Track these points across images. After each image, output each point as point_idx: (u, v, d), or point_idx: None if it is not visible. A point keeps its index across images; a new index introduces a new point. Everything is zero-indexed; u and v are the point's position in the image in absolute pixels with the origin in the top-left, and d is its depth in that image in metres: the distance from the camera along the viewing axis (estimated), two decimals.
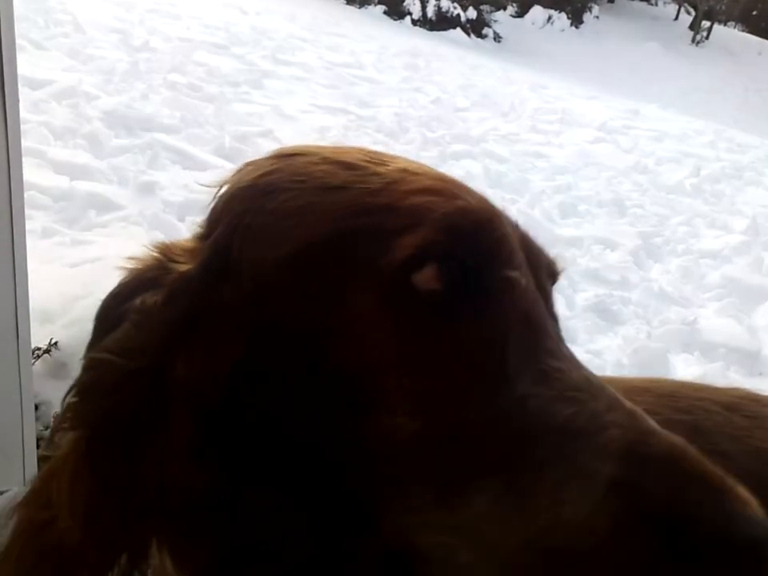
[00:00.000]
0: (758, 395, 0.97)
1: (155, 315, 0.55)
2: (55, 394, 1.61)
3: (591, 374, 0.54)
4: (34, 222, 2.84)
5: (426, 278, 0.51)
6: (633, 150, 7.21)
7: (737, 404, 0.88)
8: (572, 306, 3.34)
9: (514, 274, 0.55)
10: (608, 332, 3.23)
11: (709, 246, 4.62)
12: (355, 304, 0.51)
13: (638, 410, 0.52)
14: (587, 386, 0.52)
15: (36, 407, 1.55)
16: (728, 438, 0.84)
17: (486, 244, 0.54)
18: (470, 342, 0.51)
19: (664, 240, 4.60)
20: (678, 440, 0.50)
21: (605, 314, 3.34)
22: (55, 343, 1.64)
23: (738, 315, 3.55)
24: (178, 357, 0.54)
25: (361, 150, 0.62)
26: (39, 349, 1.63)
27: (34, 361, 1.59)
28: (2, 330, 1.26)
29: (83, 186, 3.28)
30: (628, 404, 0.52)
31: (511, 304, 0.53)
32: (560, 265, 0.68)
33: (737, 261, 4.44)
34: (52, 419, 1.54)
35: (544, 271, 0.64)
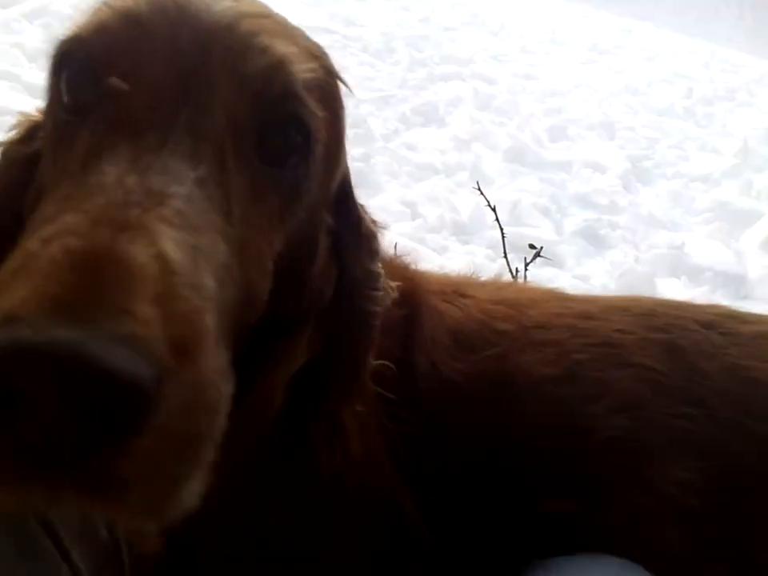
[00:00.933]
0: (736, 312, 0.96)
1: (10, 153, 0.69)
2: None
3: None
4: None
5: None
6: (624, 71, 7.06)
7: (714, 321, 0.87)
8: (560, 231, 3.33)
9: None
10: (596, 256, 3.23)
11: (699, 170, 4.58)
12: None
13: None
14: None
15: None
16: (704, 356, 0.83)
17: None
18: None
19: (654, 163, 4.55)
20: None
21: (593, 239, 3.33)
22: None
23: (726, 239, 3.54)
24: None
25: None
26: None
27: None
28: None
29: None
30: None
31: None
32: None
33: (726, 184, 4.41)
34: None
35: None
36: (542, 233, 3.20)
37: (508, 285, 0.94)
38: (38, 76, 3.49)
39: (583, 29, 9.24)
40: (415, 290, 0.85)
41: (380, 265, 0.74)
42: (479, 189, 1.80)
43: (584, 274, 3.00)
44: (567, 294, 0.94)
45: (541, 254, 1.80)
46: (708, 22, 20.31)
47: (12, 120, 2.86)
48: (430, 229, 3.02)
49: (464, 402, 0.82)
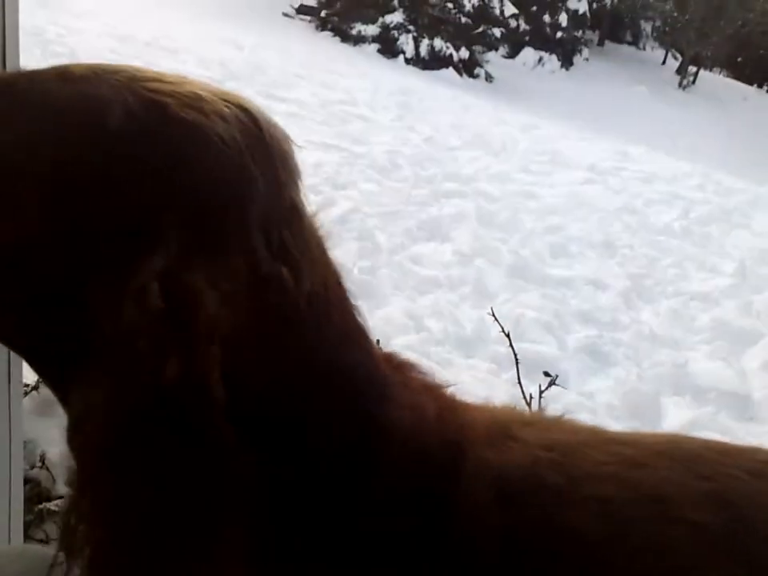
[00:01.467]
0: None
1: None
2: (42, 432, 1.59)
3: None
4: None
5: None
6: (622, 192, 7.29)
7: (762, 470, 0.82)
8: (564, 347, 3.35)
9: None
10: (599, 373, 3.24)
11: (698, 288, 4.66)
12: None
13: None
14: None
15: (23, 445, 1.53)
16: (755, 508, 0.78)
17: None
18: None
19: (654, 281, 4.63)
20: None
21: (596, 356, 3.35)
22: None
23: (728, 358, 3.55)
24: None
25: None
26: (27, 385, 1.60)
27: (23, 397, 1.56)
28: None
29: None
30: None
31: None
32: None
33: (726, 303, 4.47)
34: (38, 459, 1.51)
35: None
36: (545, 349, 3.23)
37: (555, 424, 0.87)
38: None
39: (582, 150, 9.61)
40: (461, 436, 0.76)
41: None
42: (493, 314, 1.82)
43: (588, 391, 3.00)
44: (612, 435, 0.87)
45: (549, 372, 1.80)
46: (700, 146, 21.16)
47: None
48: (434, 342, 3.04)
49: (500, 561, 0.78)
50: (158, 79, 0.59)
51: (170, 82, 0.60)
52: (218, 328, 0.53)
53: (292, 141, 0.64)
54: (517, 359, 1.80)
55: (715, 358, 3.56)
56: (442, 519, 0.71)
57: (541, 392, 1.72)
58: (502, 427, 0.80)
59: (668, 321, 4.02)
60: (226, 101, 0.61)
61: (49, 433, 1.59)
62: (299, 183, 0.64)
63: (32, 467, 1.51)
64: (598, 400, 2.92)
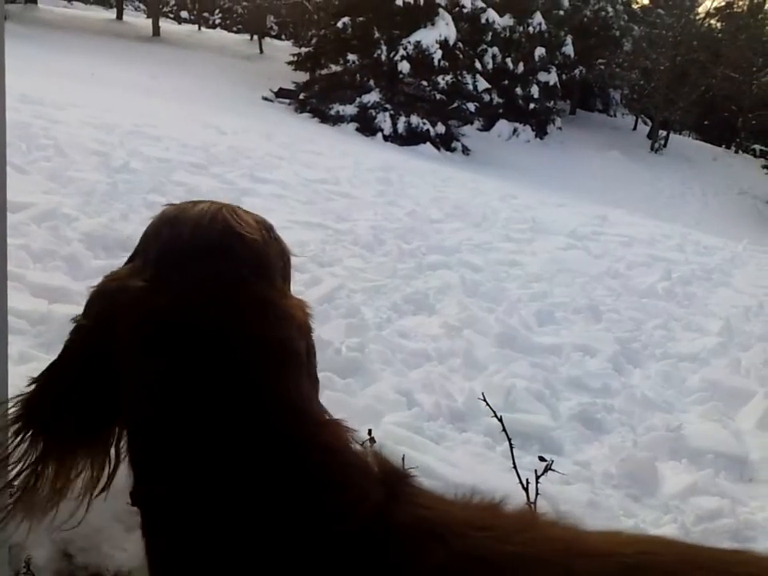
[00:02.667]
0: None
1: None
2: (28, 536, 1.53)
3: None
4: (11, 347, 2.79)
5: None
6: (604, 256, 7.39)
7: None
8: (556, 416, 3.32)
9: None
10: (594, 441, 3.20)
11: (686, 349, 4.67)
12: None
13: None
14: None
15: (9, 549, 1.48)
16: None
17: None
18: None
19: (642, 344, 4.64)
20: None
21: (589, 423, 3.33)
22: None
23: (722, 419, 3.54)
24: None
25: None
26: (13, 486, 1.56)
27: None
28: None
29: (61, 309, 3.26)
30: None
31: None
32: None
33: (715, 363, 4.48)
34: (23, 564, 1.46)
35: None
36: (537, 419, 3.20)
37: (514, 526, 0.80)
38: (42, 276, 3.62)
39: (561, 217, 9.78)
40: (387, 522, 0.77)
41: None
42: (484, 399, 1.81)
43: (584, 460, 2.96)
44: (576, 543, 0.79)
45: (544, 457, 1.78)
46: (676, 206, 21.60)
47: (16, 321, 2.88)
48: (426, 417, 3.00)
49: None
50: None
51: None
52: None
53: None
54: (511, 446, 1.77)
55: (709, 419, 3.55)
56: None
57: (537, 477, 1.69)
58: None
59: (659, 383, 4.02)
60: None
61: (36, 537, 1.54)
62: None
63: (17, 574, 1.45)
64: (594, 469, 2.89)
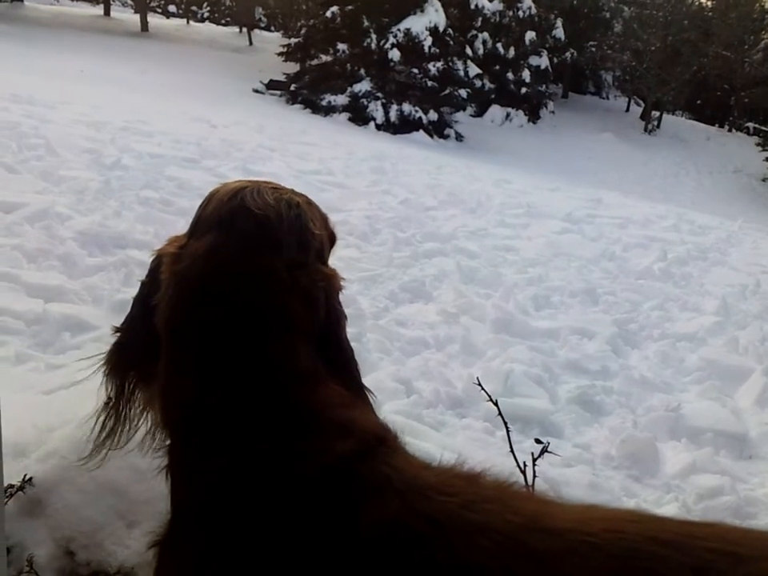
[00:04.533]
0: (744, 542, 0.76)
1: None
2: (30, 534, 1.54)
3: None
4: (8, 347, 2.79)
5: None
6: (599, 238, 7.38)
7: (707, 565, 0.71)
8: (555, 399, 3.33)
9: None
10: (593, 423, 3.21)
11: (684, 329, 4.68)
12: None
13: None
14: None
15: (8, 550, 1.48)
16: None
17: None
18: None
19: (639, 326, 4.65)
20: None
21: (588, 405, 3.33)
22: (29, 479, 1.58)
23: (721, 397, 3.55)
24: None
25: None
26: (12, 486, 1.56)
27: (6, 500, 1.52)
28: None
29: (57, 307, 3.26)
30: None
31: None
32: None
33: (712, 342, 4.49)
34: (26, 563, 1.46)
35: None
36: (536, 402, 3.20)
37: (483, 494, 0.81)
38: (37, 276, 3.61)
39: (555, 200, 9.77)
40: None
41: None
42: (479, 383, 1.81)
43: (584, 442, 2.97)
44: (539, 519, 0.77)
45: (540, 439, 1.78)
46: (670, 186, 21.59)
47: (12, 321, 2.88)
48: (426, 404, 3.01)
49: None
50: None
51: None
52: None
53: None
54: (508, 429, 1.77)
55: (707, 398, 3.56)
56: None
57: (534, 459, 1.69)
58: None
59: (657, 364, 4.02)
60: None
61: (36, 534, 1.54)
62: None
63: (19, 573, 1.46)
64: (595, 451, 2.89)
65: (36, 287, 3.44)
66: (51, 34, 23.42)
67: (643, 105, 29.38)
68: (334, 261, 4.59)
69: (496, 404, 1.75)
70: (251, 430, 0.90)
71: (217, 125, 10.83)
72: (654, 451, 2.89)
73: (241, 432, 0.90)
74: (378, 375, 3.22)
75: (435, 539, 0.75)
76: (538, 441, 1.75)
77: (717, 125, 32.15)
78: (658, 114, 28.80)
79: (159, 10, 40.35)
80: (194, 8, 40.07)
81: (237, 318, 0.97)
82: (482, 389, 1.78)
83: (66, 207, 4.79)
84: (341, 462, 0.84)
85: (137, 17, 30.20)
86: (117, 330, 1.20)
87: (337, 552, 0.78)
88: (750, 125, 31.15)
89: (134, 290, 4.02)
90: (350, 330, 3.67)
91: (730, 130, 31.30)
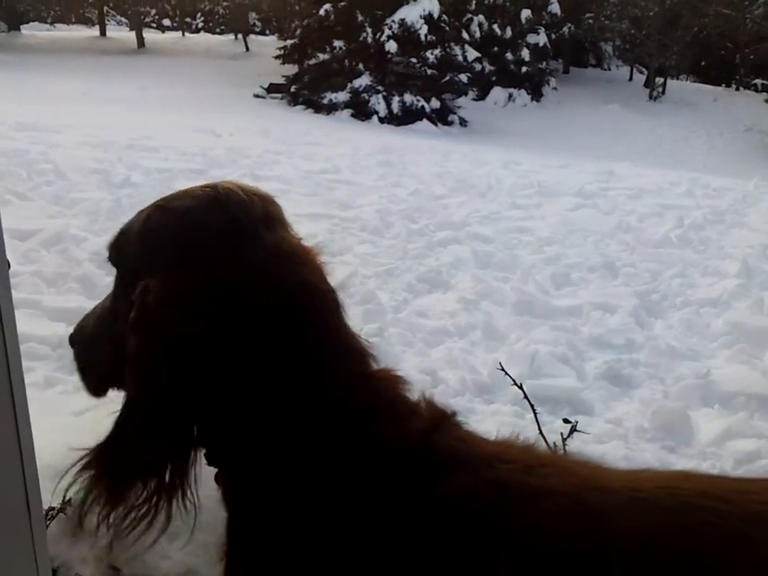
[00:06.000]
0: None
1: None
2: (74, 553, 1.56)
3: None
4: (36, 373, 2.83)
5: None
6: (614, 211, 7.32)
7: (759, 515, 0.75)
8: (583, 377, 3.31)
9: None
10: (623, 397, 3.19)
11: (706, 295, 4.63)
12: None
13: None
14: None
15: (54, 572, 1.50)
16: (740, 565, 0.72)
17: None
18: None
19: (661, 295, 4.61)
20: None
21: (617, 380, 3.31)
22: (69, 500, 1.60)
23: (750, 360, 3.52)
24: None
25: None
26: (53, 509, 1.58)
27: (48, 522, 1.54)
28: (11, 496, 1.23)
29: None
30: None
31: None
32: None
33: (737, 305, 4.43)
34: None
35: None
36: (564, 382, 3.19)
37: (540, 464, 0.87)
38: (57, 300, 3.66)
39: (566, 177, 9.70)
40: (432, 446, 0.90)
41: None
42: (503, 368, 1.81)
43: (615, 417, 2.95)
44: (595, 479, 0.84)
45: (569, 419, 1.77)
46: (681, 152, 21.35)
47: (38, 347, 2.92)
48: (453, 393, 3.01)
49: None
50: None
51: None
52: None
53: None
54: (535, 412, 1.77)
55: (737, 361, 3.52)
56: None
57: (564, 439, 1.69)
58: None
59: (682, 332, 3.99)
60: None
61: (80, 553, 1.56)
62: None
63: None
64: (627, 425, 2.88)
65: (57, 311, 3.48)
66: (50, 59, 23.60)
67: (646, 72, 29.05)
68: (350, 257, 4.60)
69: (521, 388, 1.74)
70: (330, 431, 0.89)
71: (221, 134, 10.87)
72: (686, 420, 2.87)
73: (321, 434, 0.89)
74: (403, 368, 3.20)
75: (503, 502, 0.82)
76: (566, 420, 1.75)
77: (723, 85, 31.70)
78: (662, 80, 28.46)
79: (154, 25, 40.52)
80: (187, 19, 40.19)
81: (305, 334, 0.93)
82: (506, 374, 1.77)
83: (79, 229, 4.84)
84: (421, 439, 0.88)
85: (132, 34, 30.34)
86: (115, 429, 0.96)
87: (420, 521, 0.83)
88: (758, 81, 30.68)
89: None
90: (372, 326, 3.69)
91: (737, 89, 30.84)
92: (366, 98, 20.25)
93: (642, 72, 29.89)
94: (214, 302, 0.89)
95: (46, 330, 3.23)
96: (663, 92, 27.98)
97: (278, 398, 0.90)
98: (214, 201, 0.96)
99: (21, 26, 30.51)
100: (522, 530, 0.79)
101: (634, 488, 0.80)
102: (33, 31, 31.17)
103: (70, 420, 2.30)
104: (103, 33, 31.62)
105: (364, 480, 0.86)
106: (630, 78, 29.91)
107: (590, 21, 28.78)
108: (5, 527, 1.17)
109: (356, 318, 3.79)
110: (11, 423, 1.24)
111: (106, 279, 4.02)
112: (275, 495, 0.89)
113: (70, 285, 3.88)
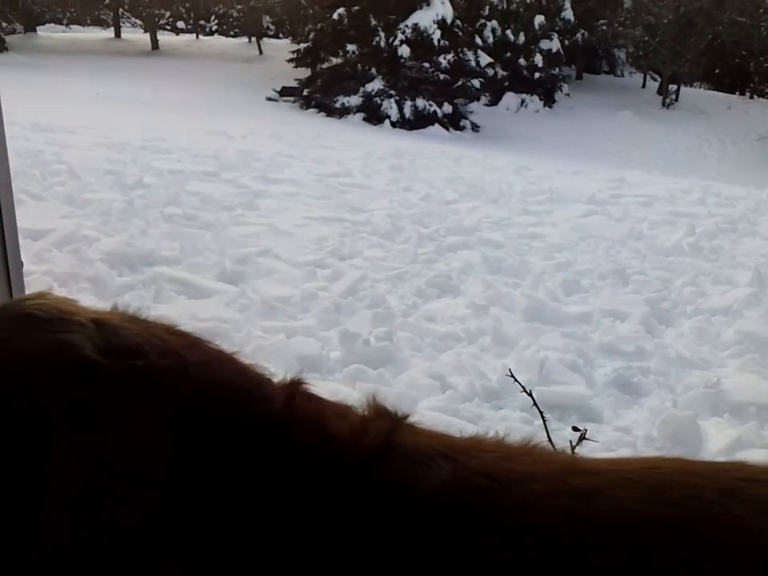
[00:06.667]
0: (761, 473, 0.87)
1: None
2: None
3: None
4: None
5: None
6: (625, 218, 7.30)
7: (733, 488, 0.81)
8: (592, 384, 3.30)
9: None
10: (633, 405, 3.18)
11: (718, 303, 4.60)
12: None
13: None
14: None
15: None
16: (718, 530, 0.78)
17: None
18: None
19: (672, 303, 4.59)
20: None
21: (626, 387, 3.30)
22: None
23: (761, 370, 3.49)
24: None
25: None
26: None
27: None
28: None
29: None
30: None
31: None
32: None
33: (748, 314, 4.41)
34: None
35: None
36: (573, 389, 3.18)
37: (519, 454, 0.89)
38: None
39: (578, 184, 9.68)
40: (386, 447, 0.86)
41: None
42: (512, 375, 1.81)
43: (624, 425, 2.94)
44: (577, 465, 0.89)
45: (578, 427, 1.76)
46: (694, 160, 21.26)
47: None
48: (461, 399, 3.00)
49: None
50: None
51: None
52: None
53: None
54: (544, 419, 1.76)
55: (747, 371, 3.50)
56: None
57: (573, 447, 1.68)
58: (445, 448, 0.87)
59: (693, 341, 3.97)
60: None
61: None
62: None
63: None
64: (636, 433, 2.86)
65: None
66: (66, 60, 23.77)
67: (659, 79, 28.95)
68: (360, 261, 4.59)
69: (530, 394, 1.74)
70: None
71: (234, 136, 10.92)
72: (696, 429, 2.86)
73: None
74: (411, 372, 3.22)
75: (493, 488, 0.82)
76: (575, 428, 1.74)
77: (737, 93, 31.54)
78: (675, 87, 28.36)
79: (168, 27, 40.72)
80: (202, 22, 40.37)
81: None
82: (515, 380, 1.77)
83: (92, 230, 4.87)
84: (385, 438, 0.85)
85: (147, 36, 30.53)
86: None
87: (412, 519, 0.81)
88: None
89: (166, 306, 4.05)
90: (381, 330, 3.68)
91: (751, 97, 30.68)
92: (379, 102, 20.28)
93: (655, 79, 29.79)
94: None
95: None
96: (676, 99, 27.88)
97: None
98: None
99: (37, 27, 30.73)
100: (516, 511, 0.80)
101: (615, 470, 0.85)
102: (48, 32, 31.40)
103: None
104: (118, 34, 31.82)
105: (348, 490, 0.83)
106: (644, 85, 29.81)
107: (604, 27, 28.71)
108: None
109: (365, 322, 3.80)
110: None
111: (117, 279, 4.05)
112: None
113: (81, 285, 3.90)
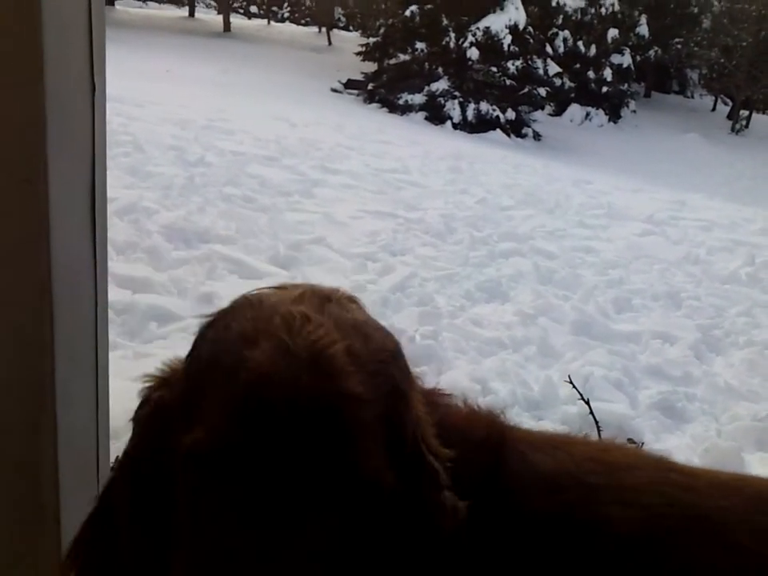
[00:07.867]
0: None
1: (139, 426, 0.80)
2: None
3: None
4: None
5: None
6: (683, 241, 7.15)
7: None
8: (635, 404, 3.25)
9: None
10: (675, 430, 3.12)
11: None
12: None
13: None
14: None
15: None
16: None
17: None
18: None
19: (724, 332, 4.48)
20: None
21: (670, 412, 3.24)
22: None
23: None
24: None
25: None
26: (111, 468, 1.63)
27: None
28: (84, 454, 1.28)
29: (144, 298, 3.39)
30: None
31: None
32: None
33: None
34: None
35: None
36: (616, 407, 3.13)
37: (614, 447, 0.92)
38: (125, 268, 3.76)
39: (637, 202, 9.51)
40: (502, 439, 0.87)
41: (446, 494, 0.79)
42: (571, 382, 1.79)
43: (665, 448, 2.88)
44: (673, 464, 0.91)
45: (634, 440, 1.74)
46: (759, 189, 20.69)
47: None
48: (502, 405, 2.98)
49: (541, 540, 0.82)
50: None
51: None
52: None
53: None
54: (599, 427, 1.74)
55: None
56: (490, 493, 0.82)
57: None
58: (551, 441, 0.91)
59: (743, 372, 3.87)
60: None
61: None
62: None
63: None
64: (676, 458, 2.79)
65: (124, 278, 3.58)
66: (139, 35, 24.26)
67: (731, 104, 28.25)
68: (411, 258, 4.59)
69: (588, 403, 1.72)
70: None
71: (296, 123, 11.01)
72: (739, 462, 2.79)
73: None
74: (454, 374, 3.22)
75: (602, 471, 0.85)
76: (631, 441, 1.71)
77: None
78: (747, 113, 27.64)
79: (241, 11, 41.28)
80: (274, 8, 40.83)
81: None
82: (574, 386, 1.76)
83: (152, 202, 4.97)
84: (487, 474, 0.84)
85: (220, 18, 30.96)
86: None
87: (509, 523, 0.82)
88: None
89: (218, 284, 4.13)
90: (427, 328, 3.68)
91: None
92: (442, 102, 20.22)
93: (726, 103, 29.09)
94: None
95: (112, 295, 3.30)
96: (747, 125, 27.17)
97: None
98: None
99: (115, 2, 31.42)
100: (627, 491, 0.83)
101: (706, 476, 0.88)
102: (126, 7, 32.09)
103: (128, 385, 2.36)
104: (192, 14, 32.35)
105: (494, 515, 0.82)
106: (714, 108, 29.14)
107: (679, 46, 28.13)
108: (78, 478, 1.23)
109: (412, 319, 3.81)
110: (92, 382, 1.30)
111: (173, 253, 4.13)
112: None
113: (138, 255, 3.99)
